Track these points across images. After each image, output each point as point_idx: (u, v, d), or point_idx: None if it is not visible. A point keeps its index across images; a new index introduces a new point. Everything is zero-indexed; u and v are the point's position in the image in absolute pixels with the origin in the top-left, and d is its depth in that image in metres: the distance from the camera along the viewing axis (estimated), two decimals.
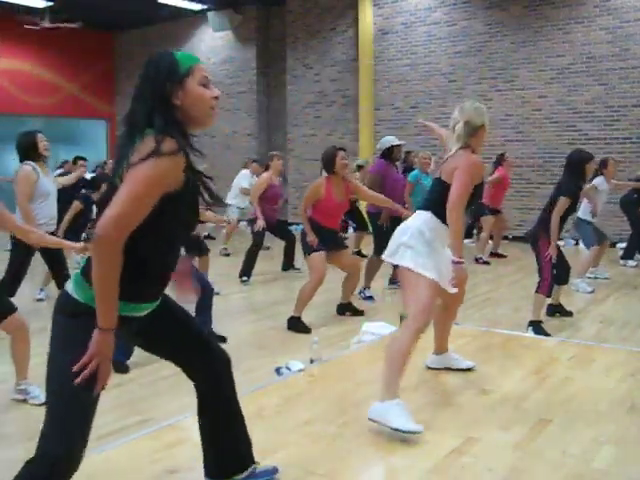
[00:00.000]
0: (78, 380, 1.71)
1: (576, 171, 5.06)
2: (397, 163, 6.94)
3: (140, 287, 1.88)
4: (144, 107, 1.83)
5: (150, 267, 1.88)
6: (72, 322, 1.81)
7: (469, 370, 3.67)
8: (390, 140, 6.60)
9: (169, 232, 1.88)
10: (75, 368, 1.71)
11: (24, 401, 3.58)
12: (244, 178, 9.99)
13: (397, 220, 6.51)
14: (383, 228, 6.41)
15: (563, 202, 4.96)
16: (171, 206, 1.78)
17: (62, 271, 4.92)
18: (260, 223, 7.03)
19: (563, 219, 5.07)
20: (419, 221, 3.15)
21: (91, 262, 1.73)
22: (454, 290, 3.15)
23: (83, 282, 1.81)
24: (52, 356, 1.81)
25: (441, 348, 3.67)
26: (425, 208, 3.20)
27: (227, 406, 2.23)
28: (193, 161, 1.87)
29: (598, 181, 7.04)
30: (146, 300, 1.94)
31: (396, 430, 2.73)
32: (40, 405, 3.43)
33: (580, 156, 5.15)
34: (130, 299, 1.84)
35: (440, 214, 3.10)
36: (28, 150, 4.78)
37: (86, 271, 1.79)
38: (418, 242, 3.07)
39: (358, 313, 5.77)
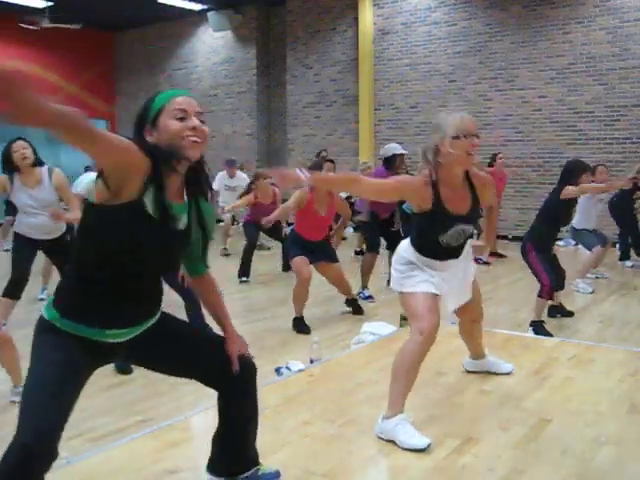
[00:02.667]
0: None
1: (570, 180, 5.04)
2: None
3: (94, 310, 1.89)
4: None
5: (94, 289, 1.89)
6: (36, 339, 1.92)
7: (469, 372, 3.68)
8: (394, 148, 6.48)
9: (109, 250, 1.85)
10: (31, 378, 1.79)
11: None
12: (219, 179, 9.88)
13: (387, 221, 6.56)
14: (372, 226, 6.46)
15: (568, 190, 4.97)
16: (115, 217, 1.79)
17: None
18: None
19: (556, 227, 5.11)
20: (400, 247, 3.12)
21: (60, 291, 1.94)
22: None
23: (50, 305, 1.93)
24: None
25: (477, 354, 3.63)
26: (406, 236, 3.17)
27: (245, 411, 2.22)
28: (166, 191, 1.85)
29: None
30: (110, 325, 1.92)
31: (403, 448, 2.70)
32: None
33: (577, 165, 5.14)
34: (88, 323, 1.88)
35: (416, 245, 3.03)
36: (4, 162, 4.69)
37: (55, 297, 1.94)
38: (397, 264, 3.07)
39: (359, 312, 5.78)
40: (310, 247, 5.38)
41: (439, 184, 2.85)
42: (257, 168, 7.75)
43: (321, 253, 5.45)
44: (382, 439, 2.79)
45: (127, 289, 1.93)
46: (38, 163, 4.78)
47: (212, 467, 2.30)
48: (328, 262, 5.52)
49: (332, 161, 5.69)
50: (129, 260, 1.88)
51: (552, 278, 4.99)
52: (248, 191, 7.92)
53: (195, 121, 1.88)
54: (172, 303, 4.03)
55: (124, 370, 4.06)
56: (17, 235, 4.83)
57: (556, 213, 5.09)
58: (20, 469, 1.71)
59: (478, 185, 2.98)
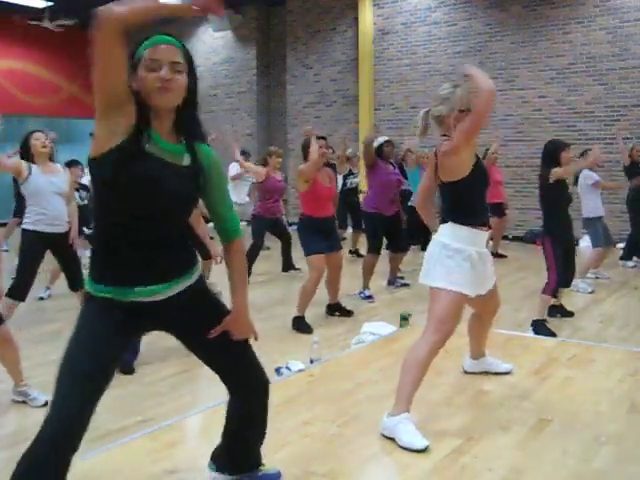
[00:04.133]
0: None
1: (552, 160, 5.04)
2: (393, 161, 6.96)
3: (119, 268, 1.94)
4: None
5: (114, 246, 1.93)
6: (80, 311, 2.01)
7: (468, 373, 3.68)
8: (379, 140, 6.59)
9: (116, 208, 1.90)
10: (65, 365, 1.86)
11: (24, 403, 3.57)
12: (232, 168, 9.91)
13: (393, 219, 6.56)
14: (375, 227, 6.45)
15: (557, 172, 4.96)
16: (112, 170, 1.84)
17: (78, 272, 4.89)
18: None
19: (561, 209, 5.09)
20: (441, 235, 3.05)
21: (91, 260, 2.00)
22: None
23: (87, 279, 2.00)
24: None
25: (477, 353, 3.63)
26: (443, 221, 3.09)
27: (252, 417, 2.23)
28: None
29: (585, 174, 6.96)
30: (128, 284, 1.94)
31: (402, 447, 2.72)
32: (40, 406, 3.44)
33: (555, 145, 5.14)
34: (116, 283, 1.94)
35: (461, 218, 3.01)
36: (24, 152, 4.79)
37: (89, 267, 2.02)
38: (441, 256, 2.98)
39: (347, 314, 5.74)
40: (323, 228, 5.34)
41: None
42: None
43: (331, 240, 5.43)
44: (384, 437, 2.80)
45: (147, 237, 1.94)
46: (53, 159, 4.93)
47: (214, 461, 2.33)
48: (336, 251, 5.52)
49: (324, 137, 5.64)
50: (140, 204, 1.89)
51: (559, 278, 5.00)
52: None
53: (163, 72, 1.89)
54: None
55: (125, 370, 4.07)
56: (25, 233, 4.80)
57: (553, 197, 5.09)
58: (48, 459, 1.78)
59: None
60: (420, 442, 2.69)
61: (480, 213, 3.09)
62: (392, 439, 2.76)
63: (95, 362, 1.87)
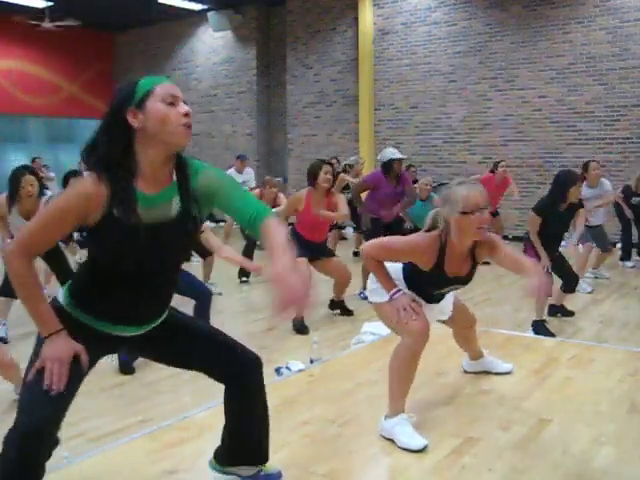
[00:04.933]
0: (33, 380, 1.80)
1: (558, 192, 5.00)
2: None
3: (103, 306, 1.94)
4: (103, 137, 1.84)
5: (106, 287, 1.92)
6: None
7: (468, 373, 3.68)
8: (390, 153, 6.40)
9: (106, 261, 1.90)
10: (30, 375, 1.82)
11: None
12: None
13: (393, 225, 6.55)
14: (376, 229, 6.44)
15: (531, 218, 4.97)
16: (95, 237, 1.85)
17: (67, 272, 4.90)
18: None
19: (551, 236, 5.01)
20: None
21: (76, 281, 1.99)
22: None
23: (66, 289, 1.99)
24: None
25: (475, 355, 3.62)
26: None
27: (248, 410, 2.21)
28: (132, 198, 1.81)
29: (582, 191, 6.93)
30: (118, 322, 1.97)
31: (401, 448, 2.71)
32: None
33: (566, 178, 5.04)
34: (97, 316, 1.94)
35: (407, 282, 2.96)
36: (11, 187, 4.82)
37: (72, 284, 2.00)
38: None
39: (348, 313, 5.76)
40: (311, 246, 5.39)
41: (446, 249, 2.80)
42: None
43: (317, 252, 5.46)
44: (384, 437, 2.80)
45: (140, 286, 1.94)
46: (40, 193, 4.93)
47: (216, 455, 2.32)
48: (327, 257, 5.53)
49: (331, 164, 5.65)
50: (134, 267, 1.90)
51: (561, 279, 4.99)
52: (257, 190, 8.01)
53: (186, 106, 1.83)
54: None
55: (125, 370, 4.07)
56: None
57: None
58: (18, 458, 1.74)
59: (483, 250, 2.90)
60: (418, 442, 2.69)
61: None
62: (392, 440, 2.76)
63: (70, 383, 1.85)
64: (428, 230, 2.87)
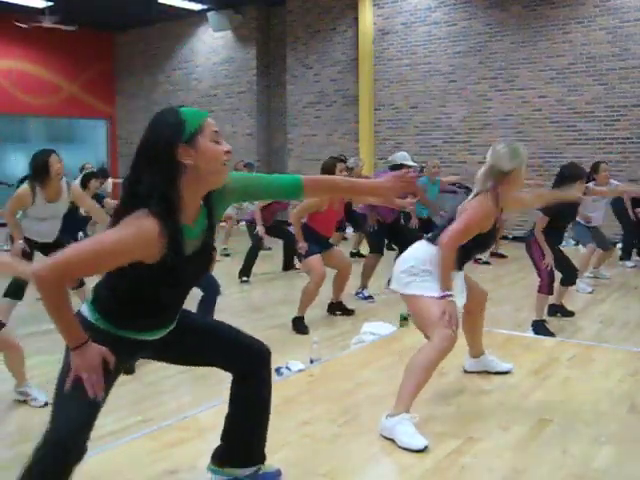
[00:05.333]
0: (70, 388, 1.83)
1: (565, 187, 4.99)
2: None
3: (132, 321, 1.98)
4: (149, 176, 1.76)
5: (140, 311, 1.96)
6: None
7: (469, 372, 3.68)
8: (403, 158, 6.52)
9: (147, 291, 1.91)
10: (67, 386, 1.83)
11: (24, 402, 3.57)
12: None
13: (395, 224, 6.55)
14: (378, 229, 6.45)
15: (540, 219, 4.98)
16: (139, 270, 1.81)
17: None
18: (260, 229, 7.15)
19: (557, 228, 5.07)
20: (421, 251, 3.12)
21: (101, 298, 1.96)
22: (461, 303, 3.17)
23: (92, 307, 1.98)
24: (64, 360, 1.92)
25: (476, 352, 3.64)
26: (433, 242, 3.11)
27: (255, 400, 2.26)
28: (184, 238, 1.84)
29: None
30: (145, 330, 2.03)
31: (402, 448, 2.71)
32: (40, 407, 3.44)
33: (572, 172, 4.98)
34: (126, 328, 1.97)
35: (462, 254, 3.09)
36: (39, 171, 4.64)
37: (95, 300, 1.99)
38: (413, 267, 3.07)
39: (349, 313, 5.76)
40: (322, 241, 5.45)
41: (499, 204, 3.10)
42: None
43: (327, 245, 5.55)
44: (384, 437, 2.80)
45: (165, 306, 2.03)
46: None
47: (215, 457, 2.33)
48: (328, 249, 5.56)
49: (344, 161, 5.71)
50: (167, 294, 1.97)
51: (550, 274, 4.99)
52: None
53: (227, 145, 1.86)
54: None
55: (127, 370, 4.06)
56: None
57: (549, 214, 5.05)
58: (55, 465, 1.78)
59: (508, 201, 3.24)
60: (419, 442, 2.69)
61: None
62: (392, 439, 2.76)
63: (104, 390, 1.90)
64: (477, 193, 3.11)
